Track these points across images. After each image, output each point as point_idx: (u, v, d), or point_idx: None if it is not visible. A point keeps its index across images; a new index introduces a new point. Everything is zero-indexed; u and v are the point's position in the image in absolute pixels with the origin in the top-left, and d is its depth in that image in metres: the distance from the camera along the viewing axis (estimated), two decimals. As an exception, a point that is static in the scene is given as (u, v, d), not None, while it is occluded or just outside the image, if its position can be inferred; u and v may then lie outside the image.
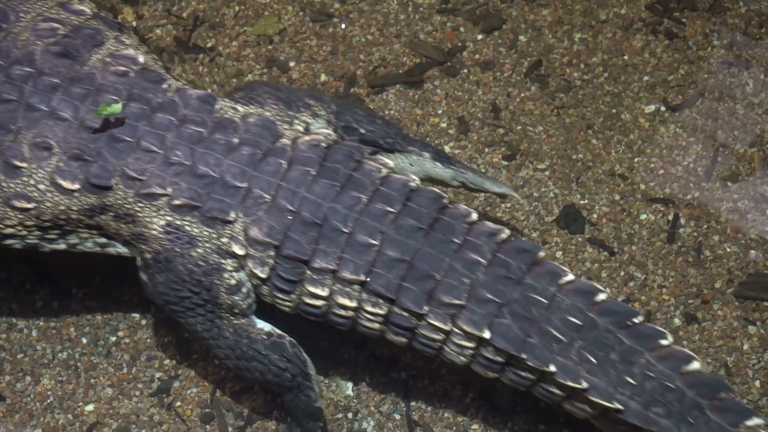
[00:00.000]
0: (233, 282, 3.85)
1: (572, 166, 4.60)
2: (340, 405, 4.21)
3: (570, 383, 3.69)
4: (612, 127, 4.67)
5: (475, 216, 3.81)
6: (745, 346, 4.28)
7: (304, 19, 4.89)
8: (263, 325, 3.97)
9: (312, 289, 3.82)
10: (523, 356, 3.70)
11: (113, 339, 4.31)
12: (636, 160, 4.61)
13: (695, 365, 3.70)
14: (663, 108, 4.71)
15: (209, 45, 4.83)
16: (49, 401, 4.22)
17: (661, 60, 4.80)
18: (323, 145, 3.86)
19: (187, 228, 3.82)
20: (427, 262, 3.75)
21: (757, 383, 4.22)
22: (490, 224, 3.82)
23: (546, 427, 4.15)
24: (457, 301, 3.73)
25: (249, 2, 4.94)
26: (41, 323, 4.34)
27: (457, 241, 3.77)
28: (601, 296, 3.74)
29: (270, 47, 4.84)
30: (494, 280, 3.74)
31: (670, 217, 4.49)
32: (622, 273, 4.40)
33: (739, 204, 4.51)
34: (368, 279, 3.76)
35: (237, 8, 4.91)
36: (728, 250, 4.43)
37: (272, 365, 3.95)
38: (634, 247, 4.44)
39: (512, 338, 3.71)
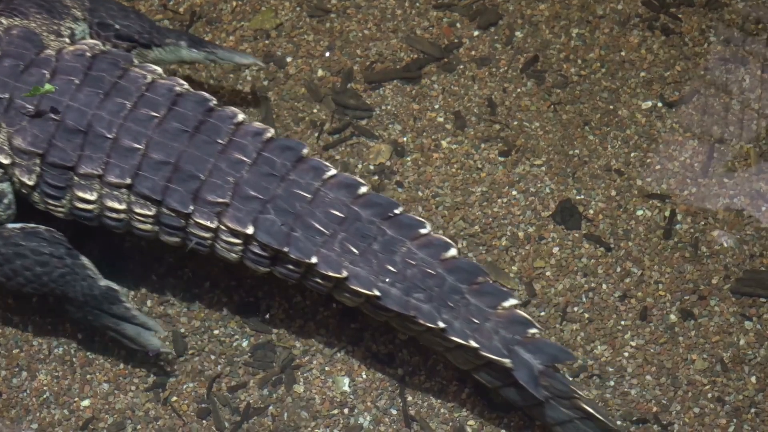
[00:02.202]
0: None
1: (569, 161, 4.60)
2: (337, 401, 4.21)
3: (331, 273, 3.85)
4: (609, 122, 4.68)
5: (241, 117, 3.97)
6: (742, 342, 4.28)
7: (301, 15, 4.89)
8: (15, 225, 4.06)
9: (81, 194, 3.96)
10: (286, 249, 3.86)
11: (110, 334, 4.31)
12: (632, 155, 4.61)
13: (453, 252, 3.88)
14: (660, 104, 4.71)
15: (206, 40, 4.83)
16: (45, 396, 4.22)
17: (658, 56, 4.80)
18: (88, 54, 4.00)
19: None
20: (192, 163, 3.90)
21: (753, 379, 4.22)
22: (256, 124, 3.98)
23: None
24: (221, 200, 3.89)
25: (246, -3, 4.95)
26: (37, 318, 4.33)
27: (222, 141, 3.93)
28: (363, 189, 3.92)
29: (267, 42, 4.84)
30: (259, 177, 3.90)
31: (667, 213, 4.49)
32: (619, 269, 4.40)
33: (736, 200, 4.52)
34: (134, 182, 3.90)
35: (234, 3, 4.91)
36: (725, 245, 4.43)
37: (35, 255, 4.01)
38: (630, 243, 4.44)
39: (276, 233, 3.87)
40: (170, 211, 3.93)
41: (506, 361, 3.82)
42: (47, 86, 3.91)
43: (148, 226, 3.99)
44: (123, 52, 4.07)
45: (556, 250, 4.43)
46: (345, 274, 3.85)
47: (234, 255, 3.98)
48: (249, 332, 4.31)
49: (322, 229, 3.88)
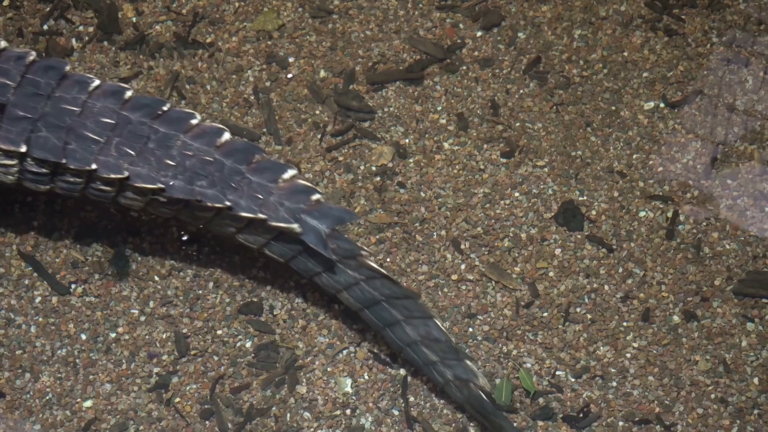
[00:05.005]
0: None
1: (571, 162, 4.60)
2: (339, 401, 4.21)
3: (113, 176, 3.99)
4: (611, 123, 4.67)
5: (3, 44, 4.12)
6: (744, 343, 4.28)
7: (303, 15, 4.89)
8: None
9: None
10: (64, 161, 4.00)
11: (112, 335, 4.32)
12: (635, 156, 4.61)
13: (226, 136, 4.05)
14: (662, 105, 4.71)
15: (209, 41, 4.83)
16: (48, 398, 4.23)
17: (661, 57, 4.80)
18: None
19: None
20: None
21: (756, 380, 4.22)
22: (17, 50, 4.11)
23: (544, 423, 4.15)
24: None
25: (248, -2, 4.95)
26: (40, 319, 4.34)
27: None
28: (129, 93, 4.09)
29: (269, 43, 4.84)
30: (25, 99, 4.05)
31: (669, 214, 4.49)
32: (621, 270, 4.40)
33: (739, 201, 4.51)
34: None
35: (236, 4, 4.91)
36: (727, 247, 4.43)
37: None
38: (633, 244, 4.44)
39: (51, 148, 4.01)
40: None
41: (294, 226, 3.97)
42: None
43: None
44: None
45: (558, 251, 4.43)
46: (126, 174, 3.98)
47: (10, 177, 4.10)
48: (252, 333, 4.31)
49: (95, 137, 4.02)
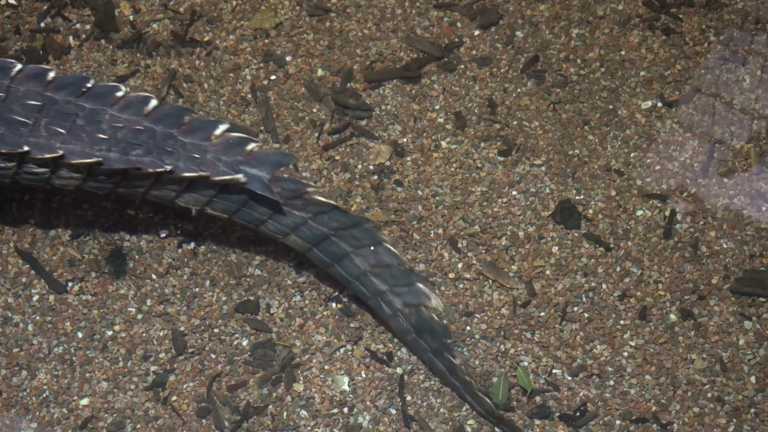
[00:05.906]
0: None
1: (568, 161, 4.60)
2: (336, 400, 4.21)
3: (47, 156, 4.00)
4: (608, 122, 4.68)
5: None
6: (741, 342, 4.28)
7: (301, 14, 4.89)
8: None
9: None
10: None
11: (109, 333, 4.31)
12: (632, 155, 4.61)
13: (153, 103, 4.08)
14: (659, 104, 4.71)
15: (206, 39, 4.83)
16: (44, 395, 4.22)
17: (658, 56, 4.80)
18: None
19: None
20: None
21: (753, 379, 4.22)
22: None
23: (541, 421, 4.15)
24: None
25: (246, -4, 4.95)
26: (37, 317, 4.34)
27: None
28: (51, 74, 4.11)
29: (267, 41, 4.84)
30: None
31: (667, 213, 4.49)
32: (618, 269, 4.40)
33: (736, 200, 4.52)
34: None
35: (234, 2, 4.91)
36: (724, 245, 4.44)
37: None
38: (630, 243, 4.44)
39: None
40: None
41: (239, 176, 4.01)
42: None
43: None
44: None
45: (555, 249, 4.44)
46: (60, 152, 4.01)
47: None
48: (249, 331, 4.31)
49: (23, 120, 4.04)
